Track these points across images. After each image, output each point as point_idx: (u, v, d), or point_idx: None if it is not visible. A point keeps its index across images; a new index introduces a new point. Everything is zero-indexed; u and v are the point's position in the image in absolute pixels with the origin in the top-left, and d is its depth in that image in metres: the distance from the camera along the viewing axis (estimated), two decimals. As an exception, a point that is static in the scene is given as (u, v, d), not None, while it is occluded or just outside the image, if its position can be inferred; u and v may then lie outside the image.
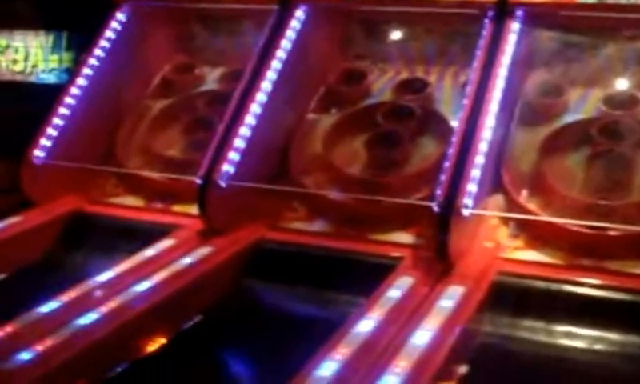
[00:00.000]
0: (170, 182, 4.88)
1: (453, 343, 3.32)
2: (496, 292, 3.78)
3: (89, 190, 5.07)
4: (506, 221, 4.17)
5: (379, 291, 3.66)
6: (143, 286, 3.89)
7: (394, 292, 3.66)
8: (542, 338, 3.66)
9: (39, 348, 3.34)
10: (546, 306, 3.76)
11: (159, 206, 4.90)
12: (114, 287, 3.89)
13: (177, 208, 4.83)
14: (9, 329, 3.51)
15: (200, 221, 4.47)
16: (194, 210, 4.55)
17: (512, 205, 4.18)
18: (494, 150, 4.16)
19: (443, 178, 3.91)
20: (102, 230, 4.81)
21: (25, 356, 3.30)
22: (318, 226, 4.45)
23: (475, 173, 3.93)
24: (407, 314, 3.49)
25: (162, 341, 3.73)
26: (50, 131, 4.96)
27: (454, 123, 4.34)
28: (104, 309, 3.68)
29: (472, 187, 3.89)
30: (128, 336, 3.63)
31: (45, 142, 4.94)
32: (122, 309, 3.70)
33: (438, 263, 3.86)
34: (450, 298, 3.59)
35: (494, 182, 4.26)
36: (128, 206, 4.96)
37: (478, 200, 3.98)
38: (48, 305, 3.71)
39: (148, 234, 4.50)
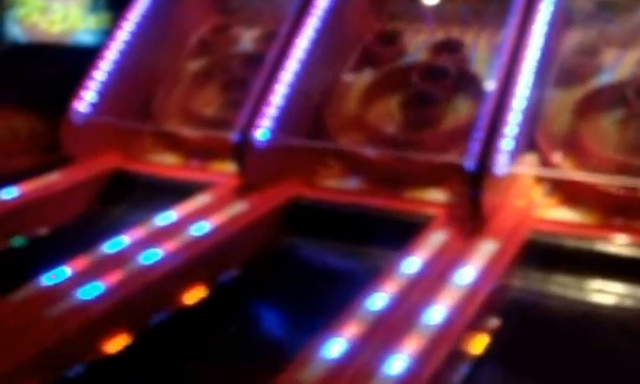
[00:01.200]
0: (207, 139, 4.97)
1: (485, 296, 3.38)
2: (528, 249, 3.83)
3: (127, 148, 5.16)
4: (539, 180, 4.21)
5: (413, 245, 3.72)
6: (182, 239, 3.98)
7: (427, 246, 3.71)
8: (573, 293, 3.72)
9: (85, 294, 3.43)
10: (577, 263, 3.82)
11: (196, 163, 4.99)
12: (153, 241, 3.97)
13: (214, 166, 4.91)
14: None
15: (237, 178, 4.55)
16: (230, 167, 4.65)
17: (546, 164, 4.21)
18: (528, 110, 4.19)
19: (477, 135, 3.95)
20: (141, 186, 4.92)
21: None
22: (352, 183, 4.53)
23: (509, 131, 3.96)
24: (439, 269, 3.54)
25: (201, 294, 3.81)
26: (90, 91, 5.06)
27: (489, 84, 4.37)
28: (144, 261, 3.77)
29: (506, 145, 3.93)
30: (168, 288, 3.72)
31: (84, 101, 5.04)
32: (161, 262, 3.78)
33: (471, 220, 3.91)
34: (482, 253, 3.64)
35: (528, 142, 4.29)
36: (166, 163, 5.06)
37: (512, 158, 4.02)
38: (92, 254, 3.80)
39: (186, 191, 4.59)
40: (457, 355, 3.14)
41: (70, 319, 3.31)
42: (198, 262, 3.90)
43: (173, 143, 5.14)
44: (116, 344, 3.40)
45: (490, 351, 3.31)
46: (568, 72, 4.51)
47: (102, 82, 5.08)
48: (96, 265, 3.74)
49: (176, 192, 4.63)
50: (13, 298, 3.43)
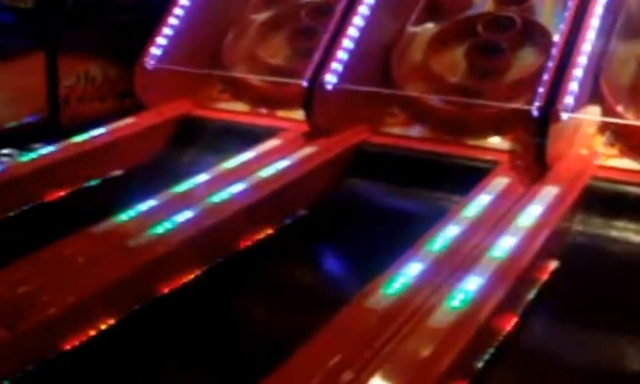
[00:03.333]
0: (275, 87, 5.10)
1: (545, 238, 3.47)
2: (589, 195, 3.92)
3: (196, 96, 5.30)
4: (602, 129, 4.27)
5: (477, 189, 3.82)
6: (251, 181, 4.11)
7: (491, 190, 3.82)
8: (632, 237, 3.79)
9: (160, 229, 3.59)
10: (637, 210, 3.88)
11: (263, 111, 5.12)
12: (223, 182, 4.11)
13: (280, 113, 5.04)
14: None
15: (303, 125, 4.68)
16: (297, 115, 4.79)
17: (609, 114, 4.27)
18: (593, 60, 4.25)
19: (543, 83, 4.02)
20: (210, 131, 5.06)
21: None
22: (417, 131, 4.63)
23: (574, 79, 4.03)
24: (503, 211, 3.65)
25: (269, 231, 3.95)
26: (161, 38, 5.21)
27: (555, 35, 4.43)
28: (216, 199, 3.91)
29: (571, 93, 4.00)
30: (238, 225, 3.86)
31: (156, 48, 5.18)
32: (231, 200, 3.93)
33: (534, 167, 4.00)
34: (544, 198, 3.73)
35: (593, 93, 4.34)
36: (234, 110, 5.19)
37: (576, 107, 4.09)
38: (164, 194, 3.97)
39: (254, 136, 4.73)
40: (516, 294, 3.24)
41: (144, 253, 3.47)
42: (266, 202, 4.03)
43: (241, 91, 5.27)
44: (186, 278, 3.54)
45: (549, 291, 3.40)
46: (633, 23, 4.54)
47: (173, 30, 5.22)
48: (168, 203, 3.89)
49: (244, 137, 4.78)
50: (91, 231, 3.58)
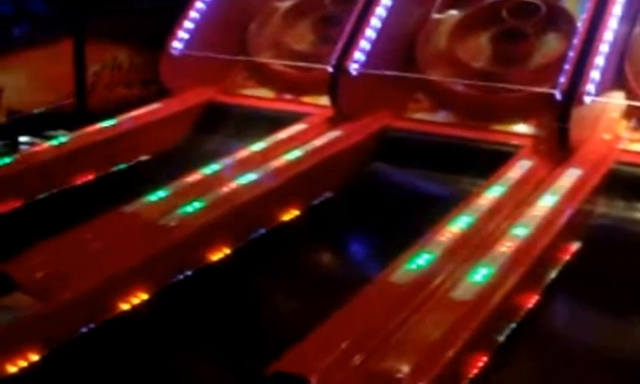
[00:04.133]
0: (299, 73, 5.16)
1: (567, 219, 3.52)
2: (612, 178, 3.96)
3: (221, 82, 5.36)
4: (626, 114, 4.30)
5: (501, 171, 3.86)
6: (279, 163, 4.18)
7: (515, 173, 3.86)
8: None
9: (190, 208, 3.66)
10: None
11: (288, 97, 5.18)
12: (251, 163, 4.18)
13: (305, 99, 5.10)
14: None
15: (328, 110, 4.74)
16: (322, 100, 4.85)
17: (634, 100, 4.30)
18: (617, 46, 4.28)
19: (567, 67, 4.06)
20: (235, 117, 5.12)
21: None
22: (441, 116, 4.68)
23: (597, 64, 4.07)
24: (526, 192, 3.69)
25: (296, 212, 4.02)
26: (187, 25, 5.27)
27: (579, 21, 4.47)
28: (244, 181, 3.98)
29: (594, 77, 4.04)
30: (266, 206, 3.93)
31: (182, 35, 5.25)
32: (259, 182, 3.99)
33: (558, 150, 4.04)
34: (567, 180, 3.78)
35: (617, 79, 4.38)
36: (259, 96, 5.25)
37: (600, 92, 4.13)
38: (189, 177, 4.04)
39: (279, 121, 4.79)
40: (538, 273, 3.29)
41: (176, 231, 3.55)
42: (293, 184, 4.09)
43: (265, 77, 5.34)
44: (216, 256, 3.62)
45: (571, 271, 3.44)
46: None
47: (199, 17, 5.28)
48: (197, 184, 3.96)
49: (269, 122, 4.83)
50: (124, 210, 3.66)
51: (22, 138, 5.14)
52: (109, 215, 3.60)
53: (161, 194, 3.84)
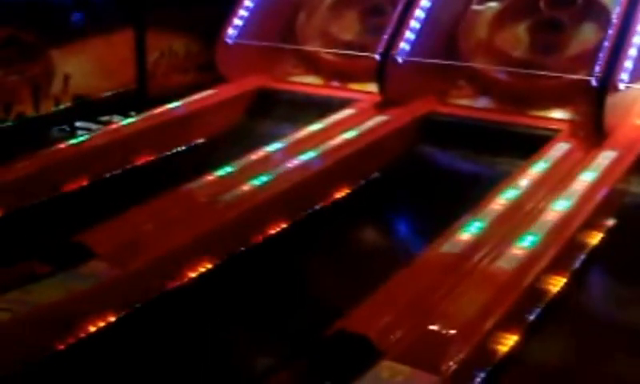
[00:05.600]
0: (346, 62, 5.43)
1: (603, 197, 3.78)
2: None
3: (272, 70, 5.65)
4: (657, 102, 4.55)
5: (540, 152, 4.12)
6: (331, 144, 4.47)
7: (553, 154, 4.12)
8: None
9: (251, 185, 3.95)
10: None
11: (335, 84, 5.46)
12: (305, 144, 4.47)
13: (352, 86, 5.38)
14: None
15: (373, 96, 5.02)
16: (368, 87, 5.14)
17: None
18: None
19: (602, 56, 4.31)
20: (285, 102, 5.40)
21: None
22: (482, 102, 4.94)
23: (631, 53, 4.31)
24: (565, 171, 3.95)
25: (347, 191, 4.30)
26: (240, 15, 5.56)
27: (613, 12, 4.70)
28: (296, 162, 4.26)
29: (628, 66, 4.29)
30: (319, 184, 4.21)
31: (235, 25, 5.55)
32: (312, 162, 4.28)
33: (593, 134, 4.29)
34: (602, 161, 4.04)
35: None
36: (308, 83, 5.54)
37: (633, 80, 4.37)
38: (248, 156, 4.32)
39: (326, 106, 5.07)
40: (576, 245, 3.55)
41: (239, 205, 3.84)
42: (343, 165, 4.37)
43: (313, 65, 5.61)
44: (274, 230, 3.90)
45: (606, 245, 3.70)
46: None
47: (251, 9, 5.57)
48: (257, 163, 4.25)
49: (317, 108, 5.11)
50: (190, 186, 3.96)
51: (78, 123, 5.46)
52: (175, 191, 3.90)
53: (222, 171, 4.13)
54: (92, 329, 3.09)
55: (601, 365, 2.98)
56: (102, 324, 3.13)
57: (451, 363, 2.58)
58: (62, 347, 2.99)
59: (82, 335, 3.05)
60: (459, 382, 2.60)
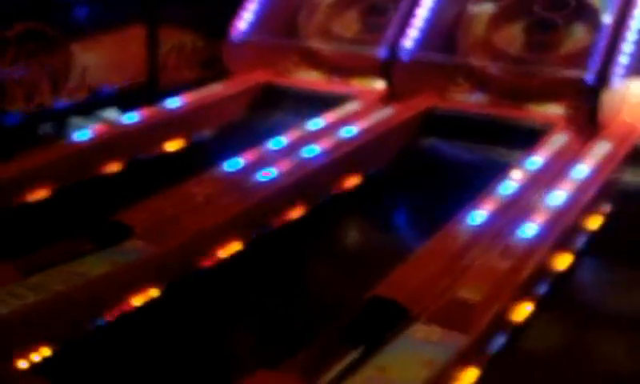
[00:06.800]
0: (347, 58, 5.70)
1: (599, 186, 4.08)
2: (637, 152, 4.51)
3: (275, 65, 5.90)
4: (647, 98, 4.87)
5: (537, 145, 4.41)
6: (337, 137, 4.71)
7: (549, 146, 4.41)
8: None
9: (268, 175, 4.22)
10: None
11: (337, 79, 5.72)
12: (310, 139, 4.69)
13: (353, 81, 5.64)
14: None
15: (376, 92, 5.30)
16: (369, 82, 5.43)
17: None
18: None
19: (597, 53, 4.62)
20: (291, 97, 5.65)
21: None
22: (479, 97, 5.24)
23: (624, 51, 4.63)
24: (562, 162, 4.25)
25: (355, 180, 4.57)
26: (246, 13, 5.80)
27: (603, 14, 5.02)
28: (304, 154, 4.49)
29: (621, 63, 4.60)
30: (328, 174, 4.47)
31: (242, 22, 5.79)
32: (321, 154, 4.51)
33: (587, 128, 4.60)
34: (597, 152, 4.35)
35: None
36: (311, 79, 5.80)
37: (625, 77, 4.69)
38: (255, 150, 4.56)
39: (329, 101, 5.32)
40: (575, 229, 3.85)
41: (253, 195, 4.09)
42: (351, 156, 4.63)
43: (316, 62, 5.87)
44: (292, 215, 4.16)
45: (604, 230, 4.00)
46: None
47: (257, 7, 5.82)
48: (264, 157, 4.47)
49: (321, 102, 5.35)
50: (211, 173, 4.21)
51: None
52: (200, 176, 4.14)
53: (238, 162, 4.36)
54: (137, 303, 3.33)
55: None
56: (143, 297, 3.36)
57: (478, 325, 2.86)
58: (110, 318, 3.23)
59: (127, 307, 3.29)
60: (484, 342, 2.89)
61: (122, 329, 3.21)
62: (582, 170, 4.16)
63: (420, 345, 2.75)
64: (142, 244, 3.54)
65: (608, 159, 4.32)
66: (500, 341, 3.02)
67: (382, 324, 2.88)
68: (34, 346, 2.94)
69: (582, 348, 3.27)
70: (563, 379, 3.01)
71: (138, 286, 3.38)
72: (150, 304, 3.36)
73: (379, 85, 5.35)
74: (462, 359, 2.77)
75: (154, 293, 3.40)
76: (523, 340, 3.15)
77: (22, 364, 2.90)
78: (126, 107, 5.46)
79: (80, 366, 2.96)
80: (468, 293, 3.01)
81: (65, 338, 3.04)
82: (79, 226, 3.60)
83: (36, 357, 2.95)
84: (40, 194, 4.23)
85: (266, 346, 3.25)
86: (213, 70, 5.96)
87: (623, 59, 4.69)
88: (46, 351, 2.97)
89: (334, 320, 3.00)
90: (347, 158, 4.61)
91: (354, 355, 2.73)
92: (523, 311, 3.23)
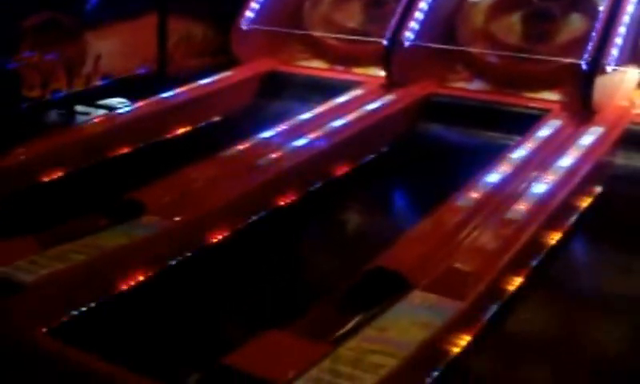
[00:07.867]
0: (350, 47, 5.89)
1: (591, 167, 4.26)
2: (629, 135, 4.70)
3: (280, 54, 6.09)
4: (640, 85, 5.05)
5: (534, 128, 4.60)
6: (342, 121, 4.90)
7: (545, 130, 4.60)
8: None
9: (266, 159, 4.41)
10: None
11: (340, 68, 5.91)
12: (317, 122, 4.90)
13: (356, 70, 5.83)
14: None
15: (378, 79, 5.49)
16: (371, 71, 5.61)
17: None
18: (634, 26, 5.00)
19: (591, 41, 4.80)
20: (296, 85, 5.84)
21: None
22: (477, 85, 5.42)
23: (618, 40, 4.81)
24: (557, 143, 4.43)
25: (358, 162, 4.75)
26: (254, 3, 5.99)
27: (599, 4, 5.19)
28: (303, 140, 4.66)
29: (614, 51, 4.78)
30: (333, 156, 4.65)
31: (249, 12, 5.98)
32: (326, 137, 4.70)
33: (582, 113, 4.78)
34: (591, 135, 4.53)
35: (633, 54, 5.09)
36: (315, 67, 5.99)
37: (619, 64, 4.87)
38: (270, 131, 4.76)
39: (335, 88, 5.50)
40: (568, 208, 4.03)
41: (252, 178, 4.25)
42: (356, 139, 4.82)
43: (319, 51, 6.06)
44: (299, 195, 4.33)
45: (595, 209, 4.18)
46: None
47: (260, -4, 6.01)
48: (271, 140, 4.64)
49: (325, 90, 5.53)
50: (214, 158, 4.40)
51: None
52: (205, 161, 4.33)
53: (244, 145, 4.55)
54: (150, 274, 3.51)
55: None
56: (156, 268, 3.54)
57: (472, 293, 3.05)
58: (125, 287, 3.42)
59: (142, 277, 3.48)
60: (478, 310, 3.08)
61: (136, 296, 3.39)
62: (577, 150, 4.34)
63: (418, 309, 2.94)
64: (155, 219, 3.73)
65: (599, 142, 4.49)
66: (493, 309, 3.21)
67: (383, 292, 3.06)
68: (56, 312, 3.13)
69: (567, 316, 3.45)
70: (550, 341, 3.21)
71: (151, 258, 3.56)
72: (162, 274, 3.54)
73: (381, 73, 5.52)
74: (457, 324, 2.95)
75: (164, 265, 3.59)
76: (515, 309, 3.33)
77: (44, 329, 3.09)
78: (136, 94, 5.67)
79: (98, 331, 3.14)
80: (463, 263, 3.20)
81: (84, 304, 3.23)
82: (94, 205, 3.79)
83: (56, 322, 3.14)
84: (55, 175, 4.44)
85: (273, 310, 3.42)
86: (223, 58, 6.12)
87: (617, 45, 4.86)
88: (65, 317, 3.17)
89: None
90: (351, 140, 4.79)
91: (356, 319, 2.91)
92: (515, 282, 3.41)
